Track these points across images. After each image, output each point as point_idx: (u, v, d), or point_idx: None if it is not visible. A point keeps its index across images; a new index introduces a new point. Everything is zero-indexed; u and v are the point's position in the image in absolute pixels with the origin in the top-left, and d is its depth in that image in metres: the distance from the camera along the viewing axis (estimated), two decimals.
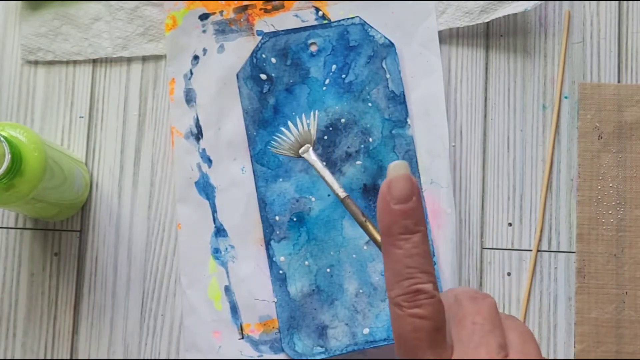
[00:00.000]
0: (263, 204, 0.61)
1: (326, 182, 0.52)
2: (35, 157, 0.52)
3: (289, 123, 0.55)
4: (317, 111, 0.59)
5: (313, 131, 0.55)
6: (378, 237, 0.48)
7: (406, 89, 0.62)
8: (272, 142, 0.56)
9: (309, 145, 0.54)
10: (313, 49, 0.62)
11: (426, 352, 0.39)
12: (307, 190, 0.61)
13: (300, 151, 0.54)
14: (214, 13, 0.63)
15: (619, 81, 0.63)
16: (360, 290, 0.59)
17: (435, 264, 0.59)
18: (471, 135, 0.63)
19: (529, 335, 0.41)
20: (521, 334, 0.41)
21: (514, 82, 0.63)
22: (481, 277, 0.61)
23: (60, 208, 0.60)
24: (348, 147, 0.61)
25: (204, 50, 0.63)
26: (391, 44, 0.61)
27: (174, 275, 0.62)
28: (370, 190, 0.60)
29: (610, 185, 0.62)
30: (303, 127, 0.54)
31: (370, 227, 0.48)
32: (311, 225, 0.60)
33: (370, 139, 0.61)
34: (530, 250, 0.62)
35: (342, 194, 0.51)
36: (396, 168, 0.41)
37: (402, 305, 0.40)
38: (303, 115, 0.56)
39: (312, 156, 0.54)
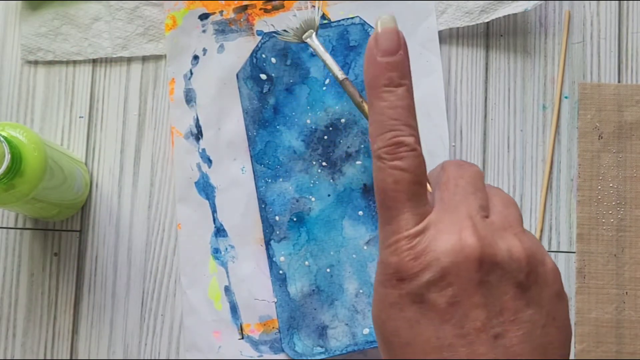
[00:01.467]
0: (263, 204, 0.61)
1: (326, 64, 0.56)
2: (35, 157, 0.52)
3: (295, 11, 0.58)
4: (320, 2, 0.60)
5: (317, 18, 0.57)
6: None
7: None
8: (278, 30, 0.59)
9: (312, 30, 0.57)
10: None
11: (405, 204, 0.39)
12: (307, 190, 0.61)
13: (303, 36, 0.57)
14: (213, 13, 0.63)
15: (619, 81, 0.63)
16: (360, 291, 0.59)
17: None
18: (471, 135, 0.63)
19: (512, 202, 0.42)
20: (504, 200, 0.41)
21: (514, 82, 0.63)
22: None
23: (60, 208, 0.60)
24: (348, 147, 0.61)
25: (204, 50, 0.63)
26: None
27: (174, 275, 0.62)
28: (370, 190, 0.60)
29: (611, 185, 0.62)
30: (307, 14, 0.57)
31: (367, 107, 0.50)
32: (311, 225, 0.60)
33: None
34: None
35: (340, 75, 0.55)
36: (384, 22, 0.42)
37: (383, 158, 0.40)
38: (308, 2, 0.60)
39: (315, 41, 0.57)
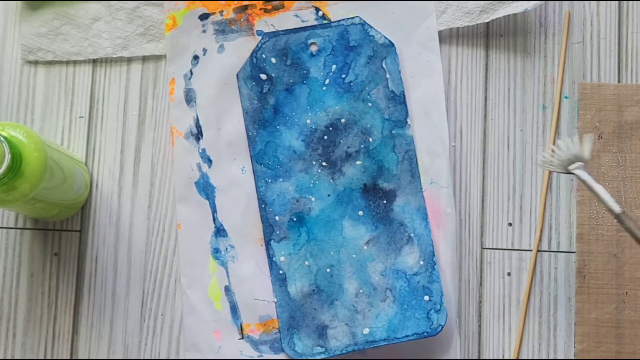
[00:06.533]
0: (263, 204, 0.61)
1: (600, 197, 0.51)
2: (35, 157, 0.52)
3: (560, 141, 0.52)
4: (592, 135, 0.55)
5: (587, 150, 0.52)
6: None
7: (406, 89, 0.62)
8: (541, 158, 0.53)
9: (581, 162, 0.52)
10: (313, 49, 0.62)
11: None
12: (307, 190, 0.61)
13: (570, 167, 0.52)
14: (214, 13, 0.63)
15: (619, 81, 0.63)
16: (360, 290, 0.59)
17: (435, 264, 0.59)
18: (471, 135, 0.63)
19: None
20: None
21: (514, 82, 0.63)
22: (481, 277, 0.61)
23: (60, 208, 0.60)
24: (348, 147, 0.61)
25: (204, 50, 0.63)
26: (391, 44, 0.61)
27: (174, 275, 0.62)
28: (370, 190, 0.60)
29: (611, 185, 0.61)
30: (575, 144, 0.52)
31: None
32: (311, 225, 0.60)
33: (370, 139, 0.61)
34: (530, 250, 0.62)
35: (617, 209, 0.50)
36: None
37: None
38: (576, 133, 0.54)
39: (584, 173, 0.52)
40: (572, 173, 0.52)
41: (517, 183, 0.62)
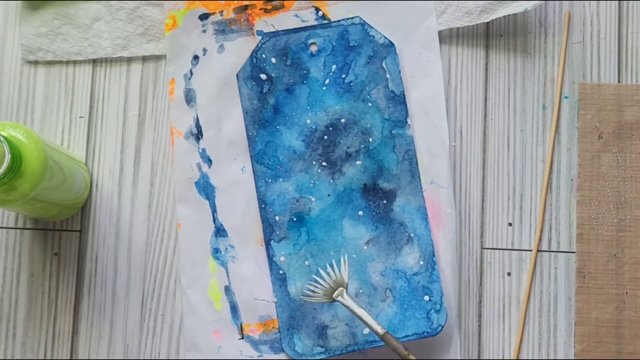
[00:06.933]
0: (263, 204, 0.61)
1: (363, 321, 0.55)
2: (35, 157, 0.52)
3: (320, 271, 0.57)
4: (346, 255, 0.59)
5: (345, 275, 0.57)
6: None
7: (406, 89, 0.62)
8: (305, 291, 0.58)
9: (342, 288, 0.56)
10: (313, 49, 0.62)
11: None
12: (307, 190, 0.61)
13: (334, 295, 0.56)
14: (214, 13, 0.63)
15: (619, 81, 0.63)
16: (360, 290, 0.59)
17: (435, 264, 0.59)
18: (471, 135, 0.63)
19: None
20: None
21: (514, 82, 0.63)
22: (481, 277, 0.61)
23: (60, 208, 0.60)
24: (348, 147, 0.61)
25: (204, 50, 0.63)
26: (391, 44, 0.61)
27: (174, 275, 0.62)
28: (370, 190, 0.60)
29: (611, 185, 0.61)
30: (334, 272, 0.57)
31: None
32: (311, 225, 0.60)
33: (370, 139, 0.61)
34: (530, 250, 0.62)
35: (380, 330, 0.54)
36: None
37: None
38: (333, 261, 0.58)
39: (347, 299, 0.56)
40: (337, 301, 0.56)
41: (517, 183, 0.62)
